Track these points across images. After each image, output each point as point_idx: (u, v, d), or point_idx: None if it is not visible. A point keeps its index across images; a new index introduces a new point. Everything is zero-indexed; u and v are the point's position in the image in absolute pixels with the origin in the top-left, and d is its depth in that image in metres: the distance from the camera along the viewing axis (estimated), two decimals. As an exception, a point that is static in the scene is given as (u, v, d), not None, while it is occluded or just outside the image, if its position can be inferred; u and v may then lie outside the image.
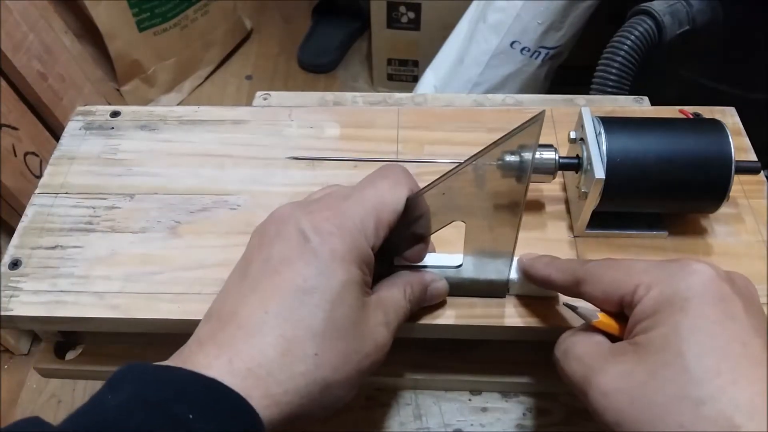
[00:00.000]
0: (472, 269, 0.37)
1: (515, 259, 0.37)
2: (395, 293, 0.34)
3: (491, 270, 0.37)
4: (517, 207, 0.32)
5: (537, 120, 0.29)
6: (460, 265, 0.37)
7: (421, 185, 0.41)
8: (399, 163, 0.44)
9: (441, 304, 0.38)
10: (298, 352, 0.28)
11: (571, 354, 0.31)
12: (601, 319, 0.31)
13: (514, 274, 0.37)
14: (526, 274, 0.37)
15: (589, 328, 0.32)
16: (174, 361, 0.28)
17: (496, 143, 0.30)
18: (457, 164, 0.32)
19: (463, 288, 0.38)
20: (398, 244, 0.35)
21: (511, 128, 0.29)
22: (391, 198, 0.32)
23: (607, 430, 0.28)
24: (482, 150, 0.30)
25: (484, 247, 0.36)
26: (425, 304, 0.37)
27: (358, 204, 0.32)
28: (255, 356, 0.28)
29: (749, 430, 0.24)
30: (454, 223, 0.35)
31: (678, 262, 0.29)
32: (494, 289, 0.38)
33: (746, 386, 0.25)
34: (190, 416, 0.25)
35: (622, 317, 0.31)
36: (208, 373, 0.26)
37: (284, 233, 0.31)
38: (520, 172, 0.32)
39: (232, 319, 0.29)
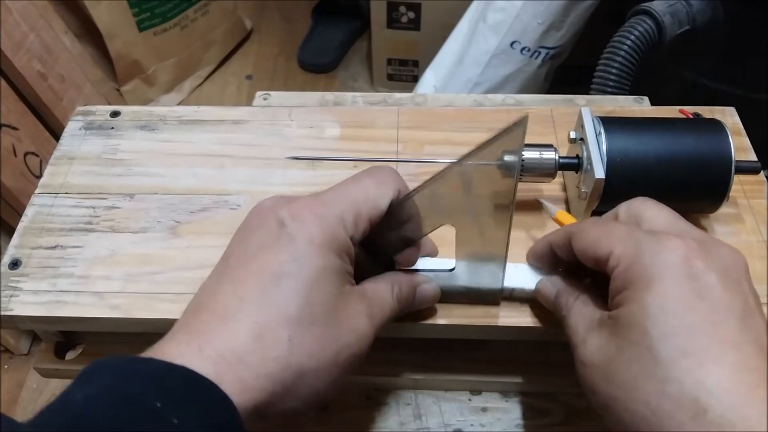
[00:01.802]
0: (465, 273, 0.37)
1: (509, 265, 0.37)
2: (380, 288, 0.33)
3: (485, 274, 0.36)
4: (507, 210, 0.32)
5: (521, 124, 0.29)
6: (453, 269, 0.37)
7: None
8: (391, 164, 0.44)
9: (437, 306, 0.38)
10: (271, 337, 0.28)
11: (567, 321, 0.32)
12: (557, 216, 0.35)
13: (510, 283, 0.37)
14: (532, 258, 0.37)
15: (590, 302, 0.32)
16: (147, 353, 0.28)
17: (480, 147, 0.30)
18: (441, 170, 0.31)
19: (457, 295, 0.38)
20: (390, 247, 0.35)
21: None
22: (374, 194, 0.32)
23: (589, 401, 0.29)
24: (467, 154, 0.30)
25: (476, 251, 0.35)
26: (416, 306, 0.36)
27: (338, 195, 0.32)
28: (226, 341, 0.27)
29: (717, 412, 0.24)
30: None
31: (653, 235, 0.29)
32: (488, 296, 0.38)
33: (714, 368, 0.25)
34: (159, 405, 0.24)
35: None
36: (179, 361, 0.26)
37: (264, 223, 0.31)
38: (508, 172, 0.31)
39: (206, 307, 0.29)
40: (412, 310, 0.36)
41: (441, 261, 0.37)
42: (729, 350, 0.25)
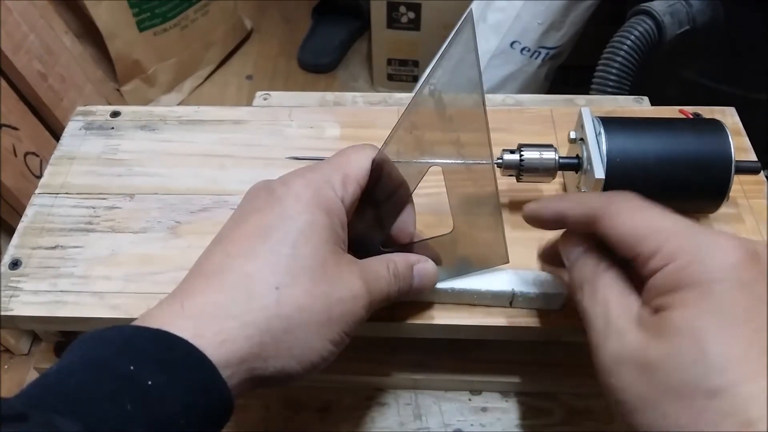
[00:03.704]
0: (463, 220, 0.35)
1: (509, 270, 0.36)
2: (374, 262, 0.33)
3: (483, 225, 0.35)
4: (483, 133, 0.31)
5: (467, 21, 0.29)
6: (452, 231, 0.36)
7: (422, 185, 0.41)
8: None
9: (437, 306, 0.38)
10: (257, 286, 0.27)
11: (599, 301, 0.29)
12: None
13: (516, 286, 0.37)
14: (533, 219, 0.34)
15: (626, 281, 0.29)
16: (133, 322, 0.27)
17: (441, 55, 0.30)
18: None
19: (462, 267, 0.36)
20: (384, 218, 0.35)
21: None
22: (356, 156, 0.33)
23: (605, 391, 0.27)
24: (430, 70, 0.30)
25: (468, 193, 0.34)
26: (416, 288, 0.35)
27: (324, 164, 0.33)
28: (210, 295, 0.27)
29: (766, 427, 0.23)
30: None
31: (706, 235, 0.26)
32: (494, 255, 0.36)
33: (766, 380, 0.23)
34: (132, 368, 0.24)
35: None
36: (157, 322, 0.26)
37: (256, 195, 0.32)
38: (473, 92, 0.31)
39: (196, 270, 0.29)
40: (414, 293, 0.35)
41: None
42: None
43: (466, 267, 0.37)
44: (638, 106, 0.53)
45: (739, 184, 0.44)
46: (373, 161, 0.33)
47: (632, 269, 0.29)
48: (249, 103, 0.54)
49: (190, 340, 0.26)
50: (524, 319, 0.38)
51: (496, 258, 0.37)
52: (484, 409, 0.43)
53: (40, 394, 0.24)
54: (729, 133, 0.39)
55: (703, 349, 0.24)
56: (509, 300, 0.37)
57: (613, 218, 0.28)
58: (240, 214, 0.32)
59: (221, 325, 0.26)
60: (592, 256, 0.31)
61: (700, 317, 0.25)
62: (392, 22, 1.39)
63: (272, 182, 0.32)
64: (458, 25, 0.29)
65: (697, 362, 0.24)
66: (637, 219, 0.28)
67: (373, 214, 0.34)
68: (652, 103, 0.54)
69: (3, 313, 0.38)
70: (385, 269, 0.33)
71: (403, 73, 1.50)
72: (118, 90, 1.40)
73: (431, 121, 0.32)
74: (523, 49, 1.02)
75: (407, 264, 0.34)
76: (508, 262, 0.37)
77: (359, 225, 0.34)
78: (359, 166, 0.33)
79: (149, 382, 0.24)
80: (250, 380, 0.27)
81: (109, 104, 0.65)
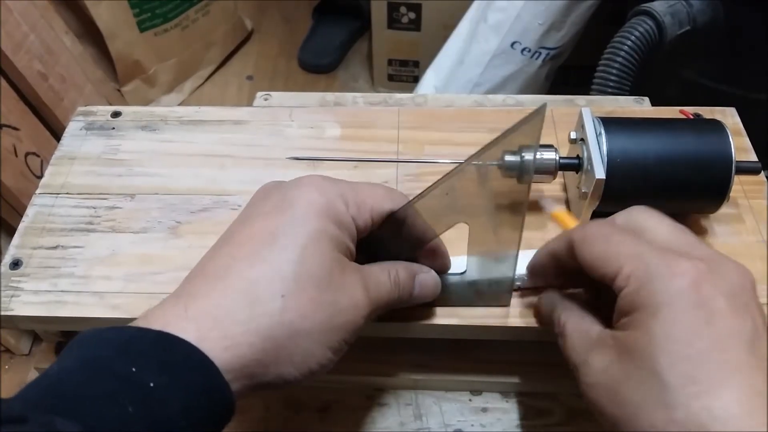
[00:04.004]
0: (476, 274, 0.37)
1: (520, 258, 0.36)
2: (376, 269, 0.33)
3: (495, 275, 0.36)
4: (520, 207, 0.32)
5: (539, 114, 0.29)
6: (464, 272, 0.37)
7: (422, 185, 0.41)
8: (391, 164, 0.44)
9: (438, 306, 0.38)
10: (262, 293, 0.27)
11: (564, 336, 0.32)
12: (556, 212, 0.34)
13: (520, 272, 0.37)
14: (533, 271, 0.36)
15: (587, 316, 0.32)
16: (135, 322, 0.27)
17: (498, 140, 0.30)
18: (458, 164, 0.32)
19: (467, 298, 0.38)
20: (405, 252, 0.35)
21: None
22: (381, 194, 0.32)
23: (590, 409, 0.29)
24: (484, 147, 0.30)
25: (488, 249, 0.35)
26: (416, 297, 0.35)
27: (344, 181, 0.32)
28: (214, 298, 0.27)
29: None
30: (456, 225, 0.34)
31: (663, 257, 0.28)
32: (498, 296, 0.38)
33: (721, 394, 0.25)
34: (133, 369, 0.24)
35: None
36: (160, 324, 0.26)
37: (267, 195, 0.32)
38: (522, 172, 0.31)
39: (200, 271, 0.29)
40: (413, 303, 0.35)
41: (453, 261, 0.37)
42: (736, 375, 0.25)
43: (468, 300, 0.38)
44: (639, 107, 0.53)
45: (739, 184, 0.44)
46: (393, 213, 0.32)
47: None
48: (249, 104, 0.54)
49: (193, 343, 0.26)
50: (524, 319, 0.38)
51: (498, 301, 0.38)
52: (484, 410, 0.43)
53: (40, 394, 0.24)
54: (729, 134, 0.39)
55: (654, 370, 0.26)
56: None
57: (585, 244, 0.31)
58: (248, 215, 0.31)
59: (225, 330, 0.26)
60: (553, 295, 0.35)
61: (649, 338, 0.26)
62: (393, 23, 1.39)
63: (285, 184, 0.32)
64: (532, 114, 0.29)
65: (651, 380, 0.26)
66: (601, 243, 0.30)
67: (392, 247, 0.34)
68: (653, 104, 0.54)
69: (3, 313, 0.38)
70: (387, 277, 0.33)
71: (403, 73, 1.50)
72: (118, 90, 1.40)
73: (470, 190, 0.32)
74: (523, 49, 1.02)
75: (410, 273, 0.34)
76: (508, 306, 0.38)
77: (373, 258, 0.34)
78: (379, 204, 0.32)
79: (151, 384, 0.24)
80: (250, 385, 0.27)
81: (110, 104, 0.66)
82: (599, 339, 0.30)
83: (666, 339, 0.26)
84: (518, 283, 0.38)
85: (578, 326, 0.31)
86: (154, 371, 0.24)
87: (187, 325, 0.26)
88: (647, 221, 0.31)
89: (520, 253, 0.37)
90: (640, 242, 0.29)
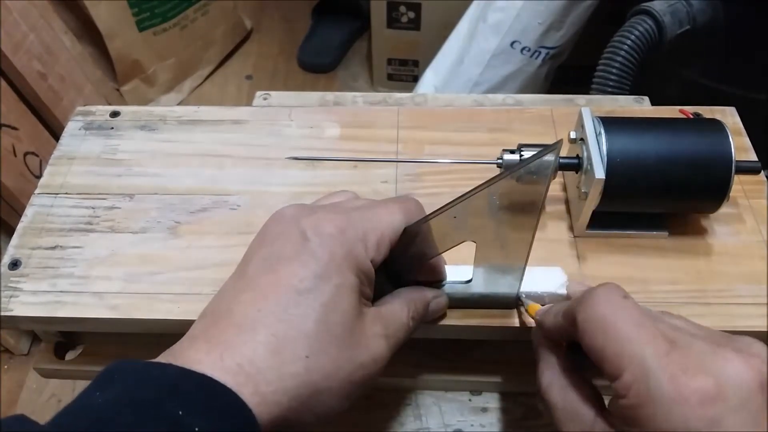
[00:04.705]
0: (482, 284, 0.37)
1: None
2: (397, 309, 0.33)
3: (502, 284, 0.36)
4: (530, 228, 0.32)
5: (555, 148, 0.28)
6: (470, 281, 0.37)
7: (421, 185, 0.41)
8: (390, 164, 0.44)
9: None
10: (288, 353, 0.28)
11: (551, 406, 0.31)
12: (530, 309, 0.33)
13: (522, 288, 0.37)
14: (545, 339, 0.34)
15: (572, 379, 0.31)
16: (165, 357, 0.28)
17: (511, 171, 0.29)
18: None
19: (472, 302, 0.38)
20: (404, 264, 0.35)
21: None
22: (399, 220, 0.32)
23: None
24: (497, 176, 0.30)
25: (495, 264, 0.35)
26: (427, 320, 0.36)
27: (364, 215, 0.32)
28: (246, 353, 0.27)
29: None
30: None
31: (666, 376, 0.25)
32: (504, 303, 0.38)
33: None
34: (180, 413, 0.24)
35: None
36: (199, 368, 0.26)
37: (285, 233, 0.31)
38: (533, 200, 0.31)
39: (226, 315, 0.29)
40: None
41: (457, 270, 0.37)
42: None
43: (473, 303, 0.38)
44: (638, 106, 0.53)
45: (739, 184, 0.44)
46: (406, 228, 0.32)
47: None
48: (249, 103, 0.54)
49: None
50: (525, 319, 0.38)
51: (504, 305, 0.38)
52: (484, 410, 0.43)
53: (87, 426, 0.24)
54: (729, 133, 0.39)
55: None
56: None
57: (584, 328, 0.28)
58: (267, 254, 0.31)
59: (257, 387, 0.27)
60: (550, 369, 0.32)
61: None
62: (392, 22, 1.39)
63: (303, 221, 0.31)
64: (547, 150, 0.28)
65: None
66: (603, 337, 0.27)
67: (396, 259, 0.34)
68: (653, 103, 0.53)
69: (3, 313, 0.38)
70: (406, 315, 0.33)
71: (403, 72, 1.50)
72: (117, 90, 1.39)
73: (479, 214, 0.32)
74: (523, 48, 1.02)
75: (425, 303, 0.35)
76: (514, 308, 0.38)
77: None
78: (395, 231, 0.32)
79: (196, 429, 0.24)
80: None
81: (109, 104, 0.65)
82: (593, 428, 0.28)
83: None
84: (523, 301, 0.37)
85: (568, 404, 0.30)
86: (199, 416, 0.24)
87: (225, 376, 0.26)
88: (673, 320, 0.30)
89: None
90: (647, 340, 0.27)
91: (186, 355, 0.27)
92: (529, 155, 0.41)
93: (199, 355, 0.27)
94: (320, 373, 0.28)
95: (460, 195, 0.31)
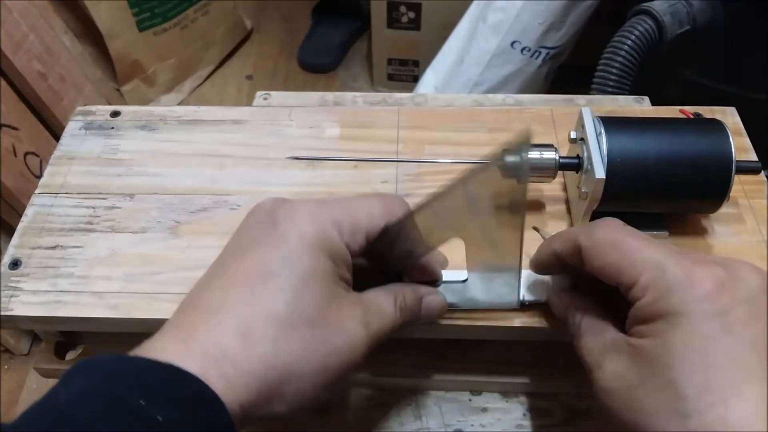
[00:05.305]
0: (478, 284, 0.36)
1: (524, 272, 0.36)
2: (381, 297, 0.32)
3: (499, 283, 0.36)
4: (517, 218, 0.31)
5: (524, 134, 0.28)
6: (466, 280, 0.36)
7: (421, 185, 0.41)
8: (390, 164, 0.44)
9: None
10: (256, 335, 0.27)
11: (579, 337, 0.32)
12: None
13: (524, 292, 0.37)
14: (536, 267, 0.36)
15: (599, 321, 0.32)
16: (134, 351, 0.27)
17: (488, 163, 0.29)
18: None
19: (472, 302, 0.37)
20: (396, 262, 0.34)
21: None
22: (378, 212, 0.31)
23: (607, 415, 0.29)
24: (473, 170, 0.29)
25: (488, 262, 0.35)
26: (422, 319, 0.35)
27: (340, 203, 0.32)
28: (211, 337, 0.27)
29: None
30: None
31: (680, 265, 0.28)
32: (504, 306, 0.38)
33: (737, 403, 0.25)
34: (143, 403, 0.24)
35: None
36: (163, 357, 0.26)
37: (259, 221, 0.31)
38: (516, 200, 0.30)
39: (195, 303, 0.29)
40: (419, 324, 0.35)
41: (454, 272, 0.37)
42: (752, 384, 0.25)
43: (474, 303, 0.37)
44: (638, 106, 0.53)
45: (739, 184, 0.44)
46: (386, 226, 0.32)
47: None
48: (249, 103, 0.54)
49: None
50: (526, 319, 0.38)
51: (506, 304, 0.37)
52: (484, 410, 0.43)
53: (50, 423, 0.24)
54: (729, 133, 0.39)
55: (671, 378, 0.26)
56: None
57: (595, 251, 0.30)
58: (240, 244, 0.31)
59: (224, 371, 0.26)
60: (565, 295, 0.35)
61: (668, 349, 0.27)
62: (392, 22, 1.39)
63: (276, 211, 0.31)
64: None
65: (667, 389, 0.26)
66: (617, 252, 0.30)
67: (387, 256, 0.34)
68: (653, 103, 0.53)
69: (3, 313, 0.38)
70: (392, 305, 0.32)
71: (403, 73, 1.50)
72: (118, 90, 1.40)
73: (459, 210, 0.31)
74: (523, 48, 1.02)
75: (416, 297, 0.34)
76: (518, 308, 0.37)
77: (369, 265, 0.34)
78: (372, 222, 0.31)
79: (159, 418, 0.24)
80: (242, 419, 0.27)
81: (109, 104, 0.66)
82: (614, 344, 0.30)
83: (684, 349, 0.26)
84: (524, 298, 0.37)
85: (593, 328, 0.31)
86: (162, 405, 0.24)
87: (191, 362, 0.26)
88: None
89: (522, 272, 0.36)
90: (655, 248, 0.29)
91: (153, 346, 0.27)
92: (530, 155, 0.41)
93: (166, 343, 0.27)
94: (290, 355, 0.27)
95: (439, 190, 0.30)
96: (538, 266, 0.36)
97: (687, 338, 0.26)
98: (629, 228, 0.31)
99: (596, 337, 0.31)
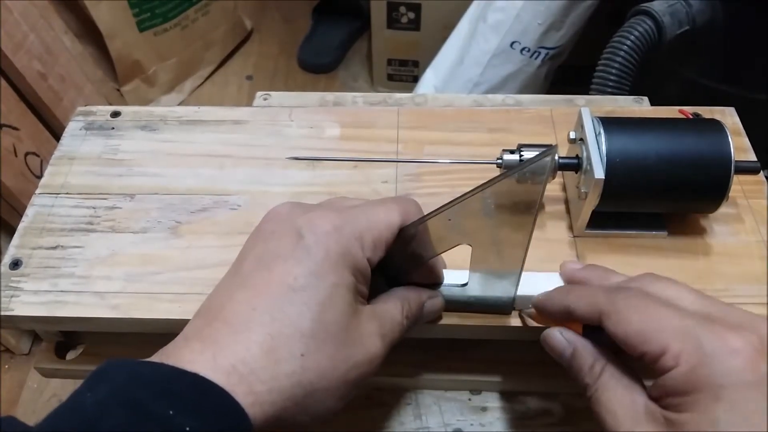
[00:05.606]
0: (478, 288, 0.37)
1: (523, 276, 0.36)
2: (392, 307, 0.33)
3: (498, 289, 0.36)
4: (526, 231, 0.32)
5: (551, 152, 0.28)
6: (466, 284, 0.37)
7: (421, 185, 0.41)
8: (390, 164, 0.44)
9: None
10: (283, 352, 0.27)
11: (603, 404, 0.30)
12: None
13: (521, 291, 0.37)
14: (541, 310, 0.35)
15: (625, 377, 0.30)
16: (158, 357, 0.27)
17: (506, 174, 0.29)
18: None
19: (468, 305, 0.38)
20: (400, 264, 0.35)
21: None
22: (397, 221, 0.32)
23: None
24: (493, 179, 0.29)
25: (491, 268, 0.35)
26: (422, 321, 0.36)
27: (361, 214, 0.31)
28: (239, 353, 0.27)
29: None
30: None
31: (714, 332, 0.27)
32: (500, 307, 0.38)
33: None
34: (171, 413, 0.24)
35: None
36: (191, 368, 0.26)
37: (279, 230, 0.31)
38: (530, 203, 0.30)
39: (219, 315, 0.29)
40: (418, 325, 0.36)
41: (454, 274, 0.37)
42: None
43: (469, 307, 0.38)
44: (638, 106, 0.53)
45: (738, 184, 0.44)
46: (402, 229, 0.32)
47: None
48: (249, 103, 0.54)
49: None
50: (526, 322, 0.38)
51: (500, 310, 0.38)
52: (484, 409, 0.43)
53: (77, 427, 0.24)
54: (729, 133, 0.39)
55: None
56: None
57: (618, 316, 0.29)
58: (261, 252, 0.31)
59: (251, 386, 0.26)
60: (587, 354, 0.32)
61: (713, 422, 0.25)
62: (392, 22, 1.39)
63: (298, 219, 0.31)
64: (544, 153, 0.28)
65: None
66: (642, 318, 0.28)
67: (392, 259, 0.34)
68: (652, 103, 0.54)
69: (3, 313, 0.38)
70: (400, 313, 0.33)
71: (403, 73, 1.50)
72: (118, 90, 1.40)
73: (473, 217, 0.32)
74: (523, 49, 1.02)
75: (420, 302, 0.35)
76: (510, 314, 0.38)
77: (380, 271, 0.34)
78: (392, 231, 0.32)
79: (187, 429, 0.24)
80: None
81: (110, 104, 0.66)
82: (648, 412, 0.28)
83: (730, 422, 0.25)
84: (521, 309, 0.37)
85: (619, 389, 0.30)
86: (189, 416, 0.24)
87: (218, 376, 0.26)
88: (667, 290, 0.30)
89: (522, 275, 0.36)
90: (683, 315, 0.28)
91: (179, 355, 0.27)
92: (529, 156, 0.41)
93: (192, 354, 0.27)
94: (316, 372, 0.28)
95: (457, 196, 0.31)
96: (543, 313, 0.35)
97: (732, 413, 0.25)
98: (653, 295, 0.30)
99: (624, 398, 0.29)
